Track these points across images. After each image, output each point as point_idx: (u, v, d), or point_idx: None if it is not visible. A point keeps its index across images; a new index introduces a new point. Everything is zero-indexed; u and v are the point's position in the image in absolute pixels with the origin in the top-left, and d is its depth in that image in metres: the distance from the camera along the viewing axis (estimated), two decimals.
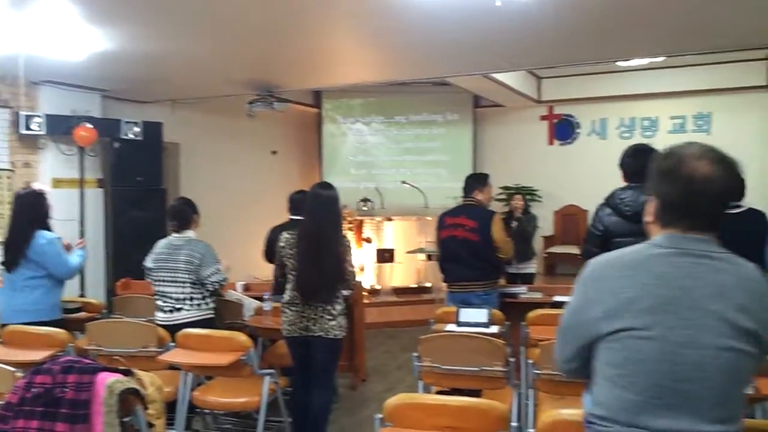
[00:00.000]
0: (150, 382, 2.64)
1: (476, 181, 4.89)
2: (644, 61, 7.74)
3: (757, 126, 8.42)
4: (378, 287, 8.62)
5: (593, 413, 1.63)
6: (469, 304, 4.33)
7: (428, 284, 8.57)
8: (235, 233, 7.29)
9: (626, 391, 1.55)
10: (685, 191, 1.58)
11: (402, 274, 8.83)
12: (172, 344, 3.71)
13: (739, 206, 4.24)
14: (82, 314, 4.73)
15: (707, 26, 4.68)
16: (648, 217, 1.69)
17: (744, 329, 1.52)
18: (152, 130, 6.83)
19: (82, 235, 6.34)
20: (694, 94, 8.85)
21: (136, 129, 6.67)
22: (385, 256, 8.58)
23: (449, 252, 4.78)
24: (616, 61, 7.40)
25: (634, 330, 1.54)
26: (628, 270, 1.60)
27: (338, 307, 3.77)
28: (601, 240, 3.43)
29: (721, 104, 8.80)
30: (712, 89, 8.66)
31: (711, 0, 4.04)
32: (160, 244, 4.22)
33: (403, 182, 8.73)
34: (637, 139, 9.07)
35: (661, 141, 8.55)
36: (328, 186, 3.90)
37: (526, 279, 6.77)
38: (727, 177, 1.57)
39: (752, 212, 4.26)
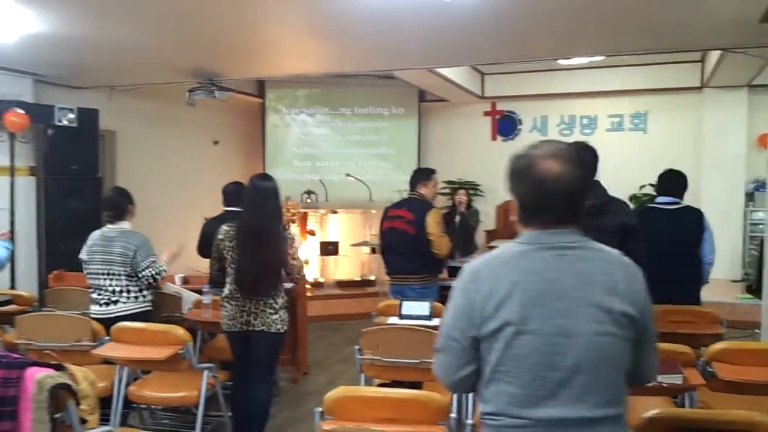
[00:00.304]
0: (83, 377, 2.56)
1: (421, 175, 4.95)
2: (584, 60, 7.92)
3: (691, 125, 8.73)
4: (322, 280, 8.59)
5: (484, 411, 1.66)
6: (405, 297, 4.36)
7: (372, 277, 8.57)
8: (174, 224, 7.12)
9: (510, 386, 1.58)
10: (538, 191, 1.62)
11: (346, 267, 8.81)
12: (107, 338, 3.61)
13: (677, 203, 4.37)
14: (12, 307, 4.57)
15: (647, 27, 4.80)
16: (512, 216, 1.74)
17: (617, 311, 1.57)
18: (88, 116, 6.60)
19: (12, 225, 6.10)
20: (631, 93, 9.11)
21: (71, 115, 6.42)
22: (329, 249, 8.55)
23: (389, 243, 4.84)
24: (558, 59, 7.54)
25: (511, 326, 1.57)
26: (499, 270, 1.64)
27: (280, 301, 3.73)
28: None
29: (657, 104, 9.08)
30: (648, 89, 8.92)
31: (652, 1, 4.14)
32: (94, 236, 4.08)
33: (348, 175, 8.71)
34: (577, 136, 9.28)
35: (600, 139, 8.81)
36: (266, 177, 3.85)
37: None
38: (578, 174, 1.62)
39: (688, 210, 4.37)
